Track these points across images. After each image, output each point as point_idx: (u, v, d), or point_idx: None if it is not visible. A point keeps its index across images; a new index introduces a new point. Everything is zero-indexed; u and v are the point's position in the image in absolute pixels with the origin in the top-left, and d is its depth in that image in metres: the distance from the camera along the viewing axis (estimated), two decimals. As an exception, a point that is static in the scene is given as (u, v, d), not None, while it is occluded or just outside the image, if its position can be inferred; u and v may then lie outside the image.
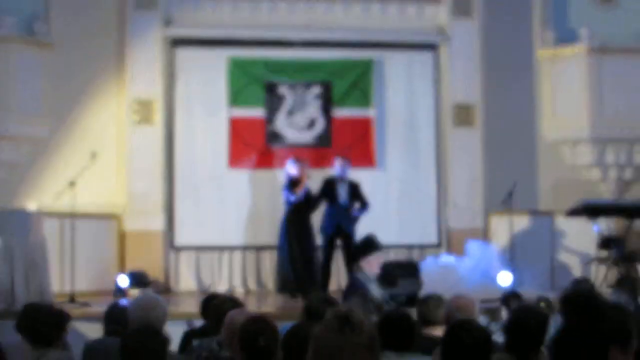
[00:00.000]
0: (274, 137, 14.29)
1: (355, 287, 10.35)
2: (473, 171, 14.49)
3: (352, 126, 14.31)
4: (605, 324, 3.65)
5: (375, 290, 10.30)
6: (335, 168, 12.44)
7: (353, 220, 12.25)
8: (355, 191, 12.34)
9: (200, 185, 13.87)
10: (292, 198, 12.20)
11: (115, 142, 13.85)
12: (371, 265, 10.95)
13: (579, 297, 5.55)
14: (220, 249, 14.01)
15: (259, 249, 14.14)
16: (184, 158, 14.02)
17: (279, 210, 13.12)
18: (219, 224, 14.00)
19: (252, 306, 11.31)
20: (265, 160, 14.15)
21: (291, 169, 12.51)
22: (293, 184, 12.34)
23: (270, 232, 13.76)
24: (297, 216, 12.42)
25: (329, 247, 12.39)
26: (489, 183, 14.43)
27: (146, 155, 13.75)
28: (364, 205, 12.29)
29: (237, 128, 14.06)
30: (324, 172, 13.43)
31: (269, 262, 13.99)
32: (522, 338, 4.80)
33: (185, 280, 13.98)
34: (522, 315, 4.93)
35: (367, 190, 12.92)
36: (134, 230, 13.66)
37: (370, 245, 11.33)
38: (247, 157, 13.94)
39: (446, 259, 13.46)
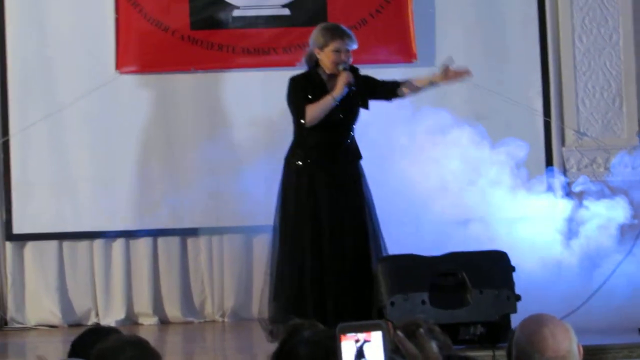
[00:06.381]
0: (208, 8, 9.88)
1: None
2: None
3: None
4: None
5: None
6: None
7: None
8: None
9: (63, 118, 9.86)
10: None
11: None
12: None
13: None
14: (104, 235, 9.93)
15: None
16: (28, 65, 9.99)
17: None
18: (105, 187, 10.23)
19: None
20: (193, 57, 9.84)
21: None
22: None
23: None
24: None
25: None
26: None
27: None
28: None
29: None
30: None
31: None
32: None
33: (39, 302, 10.16)
34: None
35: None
36: None
37: None
38: (152, 52, 9.84)
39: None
